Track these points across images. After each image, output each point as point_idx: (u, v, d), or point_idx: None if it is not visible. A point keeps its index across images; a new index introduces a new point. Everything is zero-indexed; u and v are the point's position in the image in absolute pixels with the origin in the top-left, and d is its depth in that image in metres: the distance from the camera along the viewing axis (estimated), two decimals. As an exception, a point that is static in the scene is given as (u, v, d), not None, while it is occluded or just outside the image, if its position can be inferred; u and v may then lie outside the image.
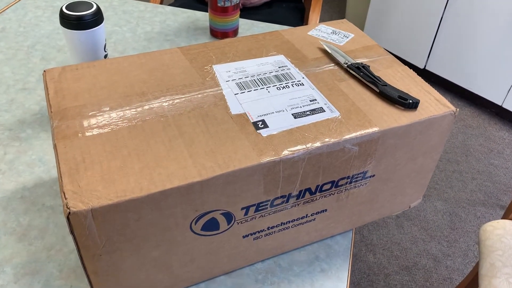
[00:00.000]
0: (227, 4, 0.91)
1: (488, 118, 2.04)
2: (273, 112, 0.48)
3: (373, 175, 0.52)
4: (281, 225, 0.51)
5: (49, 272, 0.52)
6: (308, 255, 0.56)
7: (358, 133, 0.47)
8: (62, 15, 0.63)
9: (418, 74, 0.54)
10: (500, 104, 1.97)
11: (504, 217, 1.02)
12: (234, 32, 0.97)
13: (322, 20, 2.70)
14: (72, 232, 0.39)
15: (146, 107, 0.48)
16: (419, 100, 0.50)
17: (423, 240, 1.51)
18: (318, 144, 0.45)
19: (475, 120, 2.03)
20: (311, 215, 0.52)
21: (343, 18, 2.75)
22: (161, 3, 1.37)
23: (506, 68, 1.88)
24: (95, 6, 0.64)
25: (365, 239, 1.50)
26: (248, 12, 1.31)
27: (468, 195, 1.67)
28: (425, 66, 2.18)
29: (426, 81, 0.61)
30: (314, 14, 1.39)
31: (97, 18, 0.65)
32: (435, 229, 1.54)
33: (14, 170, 0.64)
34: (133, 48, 0.92)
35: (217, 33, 0.96)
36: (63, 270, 0.52)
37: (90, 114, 0.47)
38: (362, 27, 2.44)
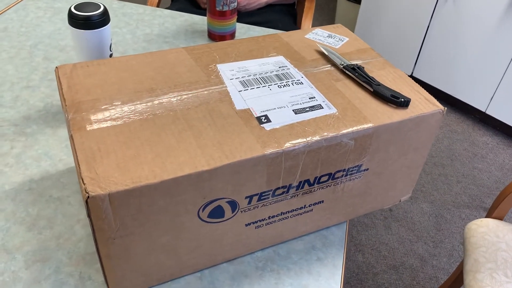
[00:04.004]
0: (225, 8, 0.94)
1: (472, 124, 2.11)
2: (275, 108, 0.52)
3: (367, 169, 0.56)
4: (281, 214, 0.54)
5: (59, 259, 0.54)
6: (305, 245, 0.59)
7: (354, 128, 0.50)
8: (70, 15, 0.66)
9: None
10: (483, 110, 2.04)
11: (487, 216, 1.07)
12: (232, 36, 1.00)
13: (313, 26, 2.75)
14: (89, 215, 0.42)
15: (156, 102, 0.51)
16: (410, 99, 0.54)
17: (410, 240, 1.55)
18: (317, 137, 0.49)
19: (460, 125, 2.09)
20: (309, 206, 0.55)
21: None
22: (157, 6, 1.40)
23: (489, 75, 1.95)
24: (102, 7, 0.67)
25: (354, 239, 1.54)
26: (242, 16, 1.35)
27: (453, 198, 1.73)
28: (412, 73, 2.24)
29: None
30: (307, 19, 1.43)
31: (104, 18, 0.67)
32: (421, 230, 1.59)
33: (21, 163, 0.66)
34: (133, 49, 0.94)
35: (215, 36, 0.99)
36: (72, 257, 0.55)
37: (103, 107, 0.50)
38: (351, 34, 2.49)
